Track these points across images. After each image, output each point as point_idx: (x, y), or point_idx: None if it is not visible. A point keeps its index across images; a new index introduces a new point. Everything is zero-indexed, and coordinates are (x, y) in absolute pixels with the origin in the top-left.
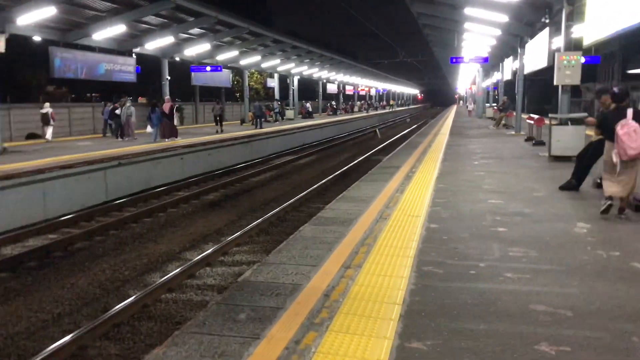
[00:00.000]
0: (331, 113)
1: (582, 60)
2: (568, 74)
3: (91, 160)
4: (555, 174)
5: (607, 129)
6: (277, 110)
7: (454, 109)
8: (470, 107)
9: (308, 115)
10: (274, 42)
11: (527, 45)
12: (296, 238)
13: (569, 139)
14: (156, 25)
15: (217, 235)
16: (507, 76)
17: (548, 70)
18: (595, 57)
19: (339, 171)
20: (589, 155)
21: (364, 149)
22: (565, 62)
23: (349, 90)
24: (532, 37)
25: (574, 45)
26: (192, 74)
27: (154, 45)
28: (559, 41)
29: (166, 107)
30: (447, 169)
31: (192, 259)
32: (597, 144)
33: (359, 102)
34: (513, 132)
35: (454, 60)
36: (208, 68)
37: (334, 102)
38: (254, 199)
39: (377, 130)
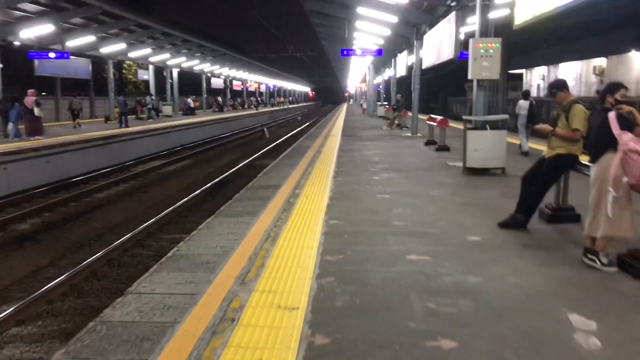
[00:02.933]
0: (217, 110)
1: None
2: (485, 65)
3: None
4: (481, 195)
5: (602, 139)
6: (149, 105)
7: (344, 107)
8: (365, 105)
9: (190, 111)
10: (141, 27)
11: (425, 36)
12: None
13: (489, 147)
14: None
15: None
16: (401, 72)
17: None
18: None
19: (213, 182)
20: (540, 178)
21: (249, 152)
22: (482, 50)
23: (237, 85)
24: (432, 25)
25: (493, 30)
26: (36, 61)
27: None
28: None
29: (29, 101)
30: (341, 188)
31: None
32: (554, 162)
33: (251, 99)
34: (409, 134)
35: (345, 52)
36: (52, 54)
37: (219, 98)
38: (88, 227)
39: (265, 129)
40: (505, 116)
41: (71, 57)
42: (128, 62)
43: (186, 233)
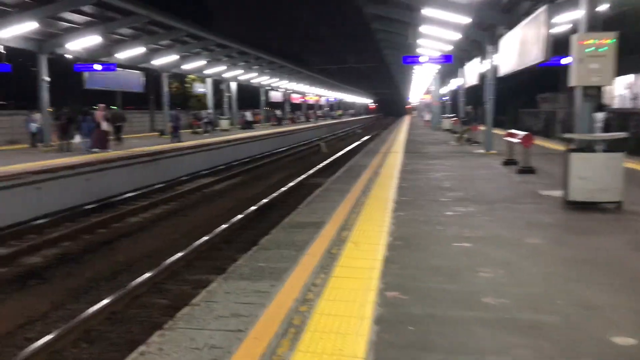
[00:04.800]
0: (275, 123)
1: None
2: (595, 68)
3: None
4: (601, 246)
5: None
6: (206, 119)
7: (407, 119)
8: (427, 117)
9: (247, 125)
10: (194, 39)
11: (502, 40)
12: None
13: (600, 174)
14: (12, 6)
15: None
16: (471, 81)
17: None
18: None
19: (258, 204)
20: None
21: (303, 168)
22: (590, 49)
23: (296, 98)
24: (511, 26)
25: (602, 23)
26: (85, 74)
27: (11, 32)
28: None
29: (99, 115)
30: (403, 230)
31: None
32: None
33: (310, 112)
34: (482, 151)
35: (408, 60)
36: (98, 67)
37: (278, 112)
38: (107, 261)
39: (322, 143)
40: (623, 134)
41: (123, 69)
42: (191, 75)
43: (215, 273)
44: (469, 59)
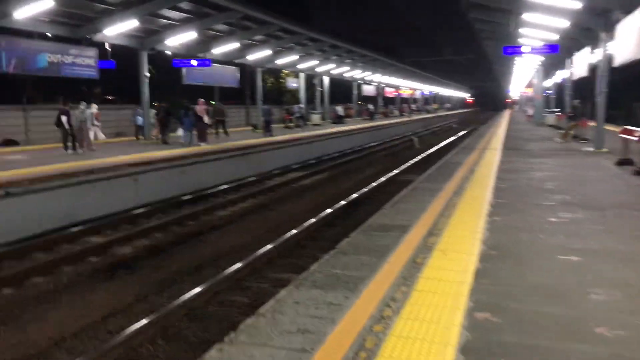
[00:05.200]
0: (368, 117)
1: None
2: None
3: None
4: None
5: None
6: (297, 114)
7: (507, 113)
8: (530, 112)
9: (338, 120)
10: (287, 33)
11: (619, 26)
12: None
13: None
14: (116, 5)
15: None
16: (580, 73)
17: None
18: None
19: (346, 200)
20: None
21: (394, 163)
22: None
23: (390, 92)
24: (630, 10)
25: None
26: (183, 70)
27: (115, 30)
28: None
29: (200, 109)
30: (498, 238)
31: None
32: None
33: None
34: (591, 149)
35: (509, 51)
36: (194, 62)
37: (370, 106)
38: (194, 254)
39: (415, 138)
40: None
41: (219, 65)
42: (285, 71)
43: (295, 272)
44: (578, 48)
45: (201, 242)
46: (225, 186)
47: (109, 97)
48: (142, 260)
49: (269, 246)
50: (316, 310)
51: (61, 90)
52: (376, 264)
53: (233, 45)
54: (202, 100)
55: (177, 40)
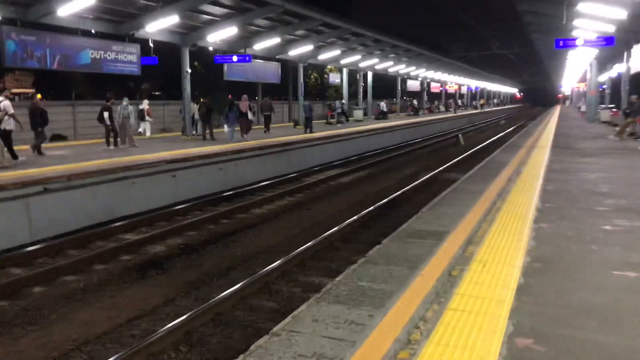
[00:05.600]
0: (412, 113)
1: None
2: None
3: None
4: None
5: None
6: (339, 110)
7: (557, 109)
8: (583, 107)
9: (382, 116)
10: (329, 28)
11: None
12: None
13: None
14: (157, 1)
15: None
16: (638, 67)
17: None
18: None
19: (384, 200)
20: None
21: (437, 162)
22: None
23: (435, 87)
24: None
25: None
26: (225, 66)
27: (157, 26)
28: None
29: (244, 105)
30: (545, 248)
31: None
32: None
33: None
34: None
35: (561, 44)
36: (235, 58)
37: (415, 101)
38: (226, 254)
39: (461, 135)
40: None
41: (260, 60)
42: (329, 66)
43: (329, 277)
44: (637, 40)
45: (234, 241)
46: (264, 183)
47: (156, 93)
48: (174, 260)
49: (301, 248)
50: (336, 330)
51: (109, 86)
52: (407, 277)
53: (274, 41)
54: (245, 96)
55: (218, 36)
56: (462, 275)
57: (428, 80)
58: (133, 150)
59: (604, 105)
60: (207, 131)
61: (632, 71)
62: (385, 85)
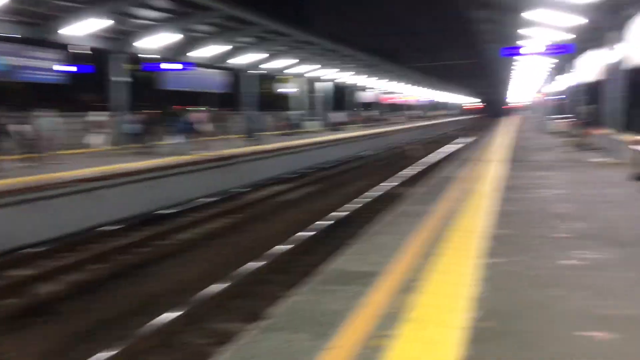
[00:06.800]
0: (367, 124)
1: None
2: None
3: None
4: None
5: None
6: (293, 121)
7: (512, 120)
8: (538, 118)
9: (336, 127)
10: (279, 35)
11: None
12: None
13: None
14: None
15: None
16: (589, 76)
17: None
18: None
19: (331, 220)
20: None
21: (387, 175)
22: None
23: (391, 98)
24: None
25: None
26: (166, 75)
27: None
28: None
29: (196, 116)
30: (497, 297)
31: None
32: None
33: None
34: (603, 160)
35: (509, 51)
36: (175, 66)
37: (371, 112)
38: (125, 295)
39: (415, 146)
40: None
41: (207, 69)
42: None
43: (247, 321)
44: (589, 50)
45: (146, 276)
46: (200, 202)
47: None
48: (68, 302)
49: (221, 285)
50: None
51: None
52: (310, 352)
53: (220, 48)
54: (198, 107)
55: (156, 42)
56: (388, 345)
57: (384, 90)
58: (51, 167)
59: (560, 116)
60: (149, 143)
61: (583, 81)
62: (341, 96)
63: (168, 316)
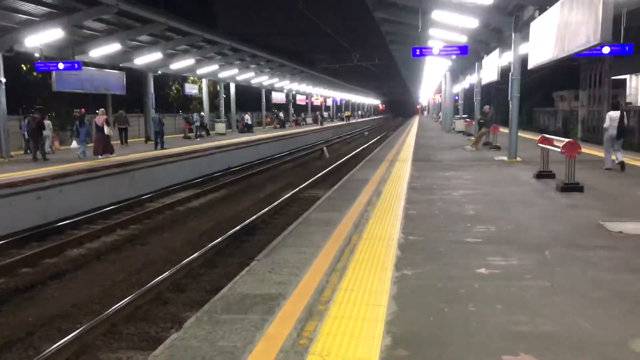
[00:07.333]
0: (278, 126)
1: None
2: None
3: None
4: None
5: None
6: (197, 123)
7: (417, 120)
8: (439, 118)
9: (247, 129)
10: (178, 34)
11: (534, 24)
12: None
13: None
14: None
15: None
16: (490, 77)
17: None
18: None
19: (238, 227)
20: None
21: (301, 177)
22: None
23: (301, 100)
24: (546, 5)
25: None
26: (53, 75)
27: None
28: None
29: (100, 119)
30: (410, 318)
31: None
32: None
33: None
34: (504, 158)
35: (418, 52)
36: (61, 65)
37: (281, 114)
38: (9, 321)
39: (325, 148)
40: None
41: (101, 69)
42: (192, 78)
43: (140, 348)
44: (488, 51)
45: (29, 300)
46: (96, 213)
47: None
48: None
49: (117, 305)
50: None
51: None
52: None
53: (114, 47)
54: (102, 109)
55: (40, 39)
56: None
57: (293, 92)
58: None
59: (459, 116)
60: (38, 150)
61: (485, 81)
62: (251, 97)
63: (50, 350)
